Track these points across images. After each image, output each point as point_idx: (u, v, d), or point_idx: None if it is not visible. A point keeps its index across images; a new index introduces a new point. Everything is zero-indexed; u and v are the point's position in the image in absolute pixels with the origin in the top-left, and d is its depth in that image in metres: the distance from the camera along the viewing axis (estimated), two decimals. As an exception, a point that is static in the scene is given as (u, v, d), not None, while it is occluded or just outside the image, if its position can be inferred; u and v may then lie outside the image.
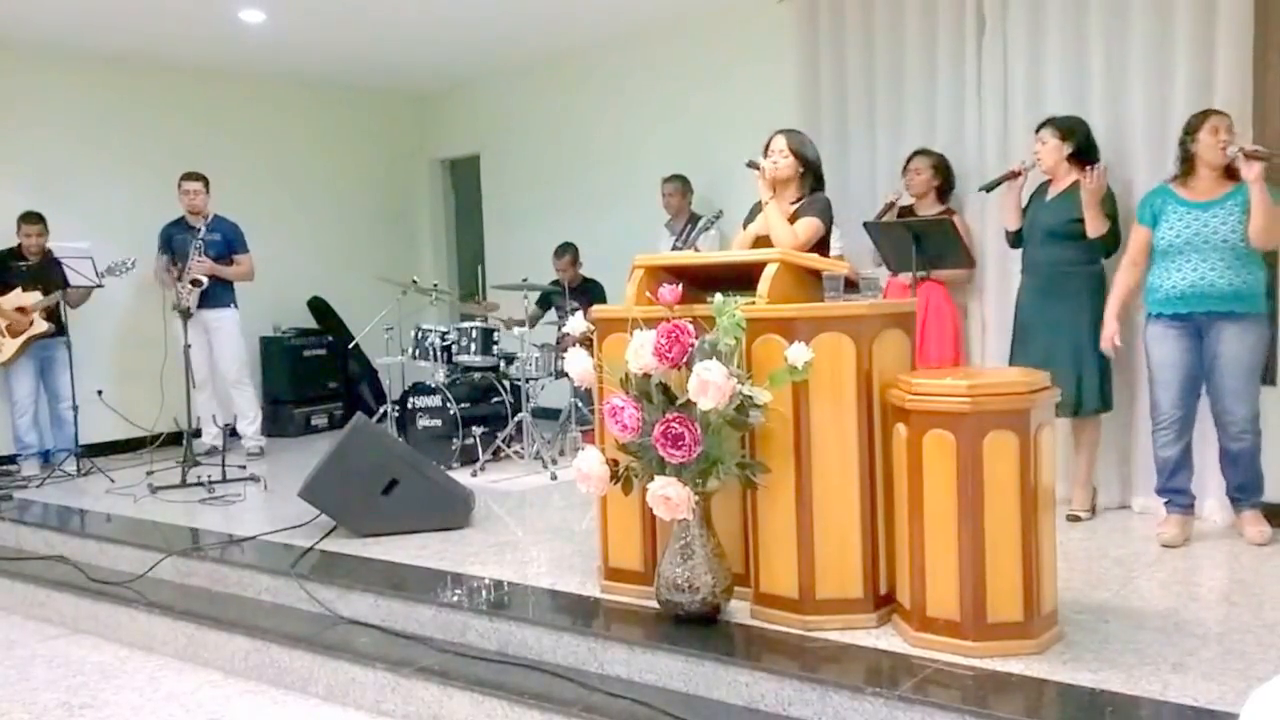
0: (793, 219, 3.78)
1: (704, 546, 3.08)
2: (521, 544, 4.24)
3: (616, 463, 3.12)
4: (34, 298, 6.02)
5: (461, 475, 5.27)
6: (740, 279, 3.20)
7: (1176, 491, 3.99)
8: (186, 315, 5.94)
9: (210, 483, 5.49)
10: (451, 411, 5.72)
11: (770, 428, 3.01)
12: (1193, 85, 4.16)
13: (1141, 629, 3.00)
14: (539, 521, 4.64)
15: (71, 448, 6.13)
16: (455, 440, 5.71)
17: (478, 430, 5.78)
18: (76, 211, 6.62)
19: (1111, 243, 4.24)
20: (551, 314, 6.68)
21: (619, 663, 3.07)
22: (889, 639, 2.95)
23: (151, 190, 6.77)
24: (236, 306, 6.66)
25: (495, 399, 6.00)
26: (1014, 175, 4.46)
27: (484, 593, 3.61)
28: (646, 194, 6.56)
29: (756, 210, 3.99)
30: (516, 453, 5.91)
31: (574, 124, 7.46)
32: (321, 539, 4.30)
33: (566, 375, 3.31)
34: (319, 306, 8.02)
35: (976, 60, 4.85)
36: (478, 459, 5.70)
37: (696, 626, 3.09)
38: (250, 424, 6.74)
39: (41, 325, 6.06)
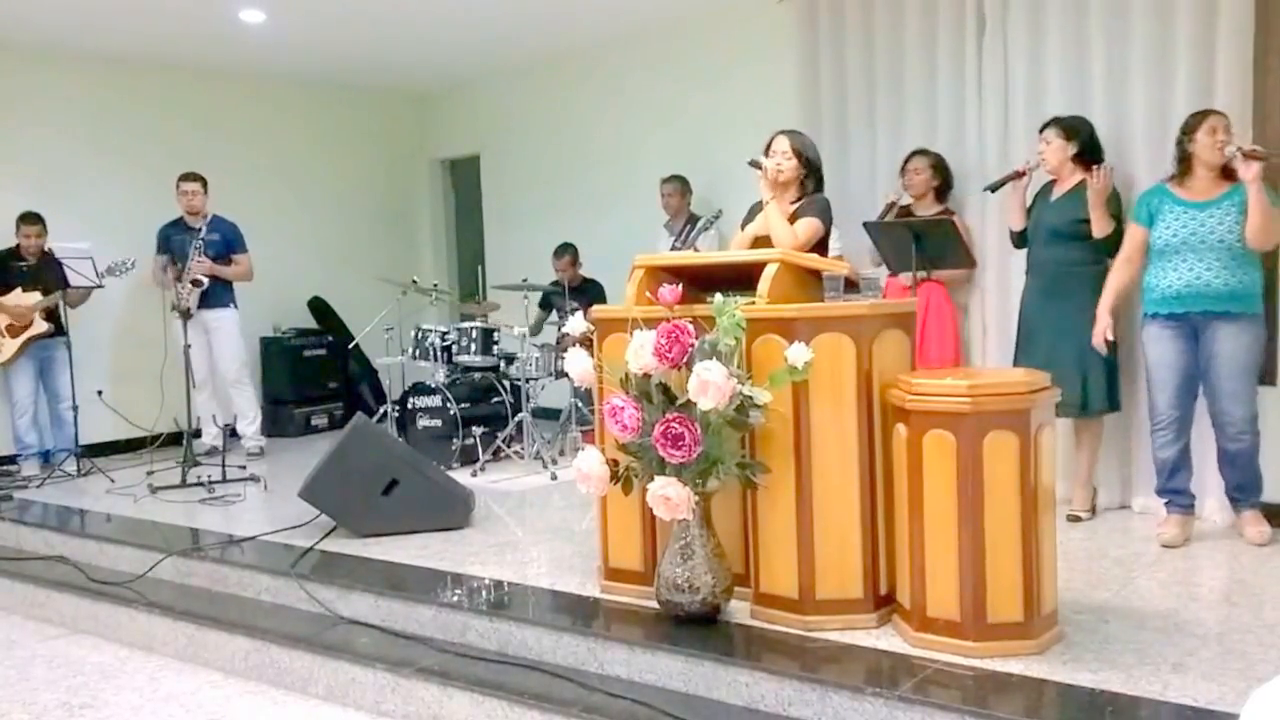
0: (792, 219, 3.78)
1: (704, 547, 3.08)
2: (521, 544, 4.24)
3: (616, 463, 3.12)
4: (34, 298, 6.02)
5: (461, 475, 5.27)
6: (740, 279, 3.20)
7: (1176, 492, 3.99)
8: (186, 316, 5.94)
9: (210, 483, 5.49)
10: (451, 411, 5.72)
11: (770, 428, 3.01)
12: (1193, 86, 4.16)
13: (1142, 629, 3.00)
14: (539, 522, 4.64)
15: (71, 448, 6.13)
16: (455, 440, 5.71)
17: (478, 430, 5.78)
18: (76, 211, 6.62)
19: (1116, 243, 4.23)
20: (553, 315, 6.68)
21: (619, 663, 3.07)
22: (889, 639, 2.95)
23: (151, 190, 6.76)
24: (236, 306, 6.66)
25: (495, 399, 6.00)
26: (1019, 175, 4.45)
27: (484, 593, 3.61)
28: (646, 194, 6.56)
29: (754, 211, 3.99)
30: (516, 453, 5.91)
31: (574, 124, 7.47)
32: (321, 539, 4.30)
33: (566, 375, 3.32)
34: (319, 307, 8.02)
35: (977, 60, 4.85)
36: (478, 459, 5.70)
37: (696, 627, 3.09)
38: (250, 424, 6.74)
39: (41, 325, 6.06)
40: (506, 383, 6.06)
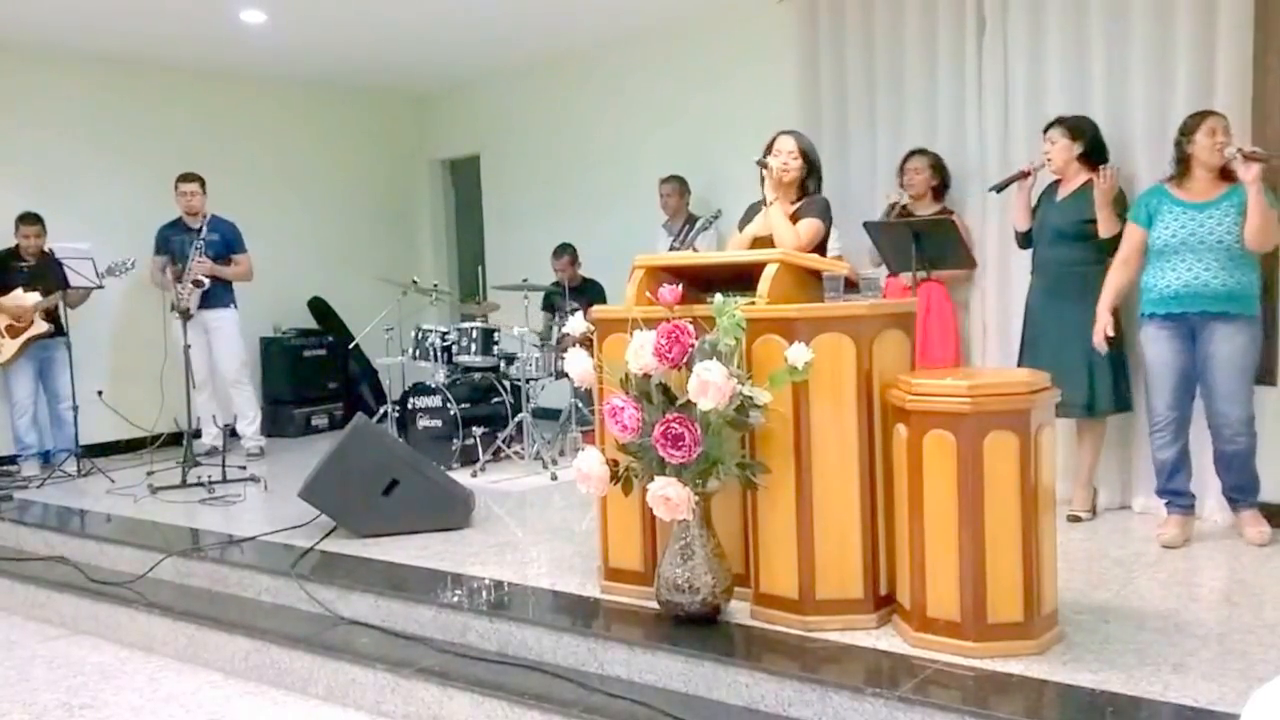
0: (794, 219, 3.79)
1: (704, 547, 3.08)
2: (521, 544, 4.24)
3: (616, 463, 3.12)
4: (34, 298, 6.02)
5: (462, 476, 5.27)
6: (740, 279, 3.20)
7: (1176, 493, 3.98)
8: (187, 316, 5.94)
9: (210, 483, 5.49)
10: (452, 412, 5.72)
11: (770, 428, 3.01)
12: (1193, 86, 4.16)
13: (1142, 629, 3.00)
14: (539, 522, 4.64)
15: (71, 448, 6.13)
16: (455, 440, 5.71)
17: (478, 430, 5.78)
18: (76, 211, 6.62)
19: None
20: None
21: (619, 663, 3.07)
22: (889, 639, 2.95)
23: (151, 190, 6.76)
24: (236, 306, 6.66)
25: (495, 399, 6.00)
26: (1023, 175, 4.45)
27: (484, 593, 3.61)
28: (646, 194, 6.56)
29: (752, 211, 4.00)
30: (517, 453, 5.91)
31: (574, 124, 7.46)
32: (321, 539, 4.30)
33: (566, 376, 3.32)
34: (319, 307, 8.02)
35: (977, 60, 4.85)
36: (478, 459, 5.70)
37: (696, 627, 3.09)
38: (250, 424, 6.74)
39: (41, 326, 6.06)
40: (506, 383, 6.05)
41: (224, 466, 5.65)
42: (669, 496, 2.93)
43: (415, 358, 6.21)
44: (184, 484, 5.57)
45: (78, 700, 3.51)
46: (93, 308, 6.42)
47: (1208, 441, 4.01)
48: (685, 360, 2.92)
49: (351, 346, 7.36)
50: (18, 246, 6.14)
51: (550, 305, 6.72)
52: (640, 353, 2.96)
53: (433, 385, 5.86)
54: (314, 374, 7.69)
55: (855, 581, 3.02)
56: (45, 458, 6.32)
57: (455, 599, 3.55)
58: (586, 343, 3.44)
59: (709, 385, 2.83)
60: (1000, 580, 2.79)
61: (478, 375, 6.15)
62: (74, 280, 5.99)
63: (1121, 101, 4.40)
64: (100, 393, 6.57)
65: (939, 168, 4.94)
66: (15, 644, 4.13)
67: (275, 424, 7.36)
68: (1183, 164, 3.89)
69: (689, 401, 2.90)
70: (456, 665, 3.22)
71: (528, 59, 7.45)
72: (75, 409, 6.11)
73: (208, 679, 3.66)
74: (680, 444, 2.88)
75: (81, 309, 6.31)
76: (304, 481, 4.50)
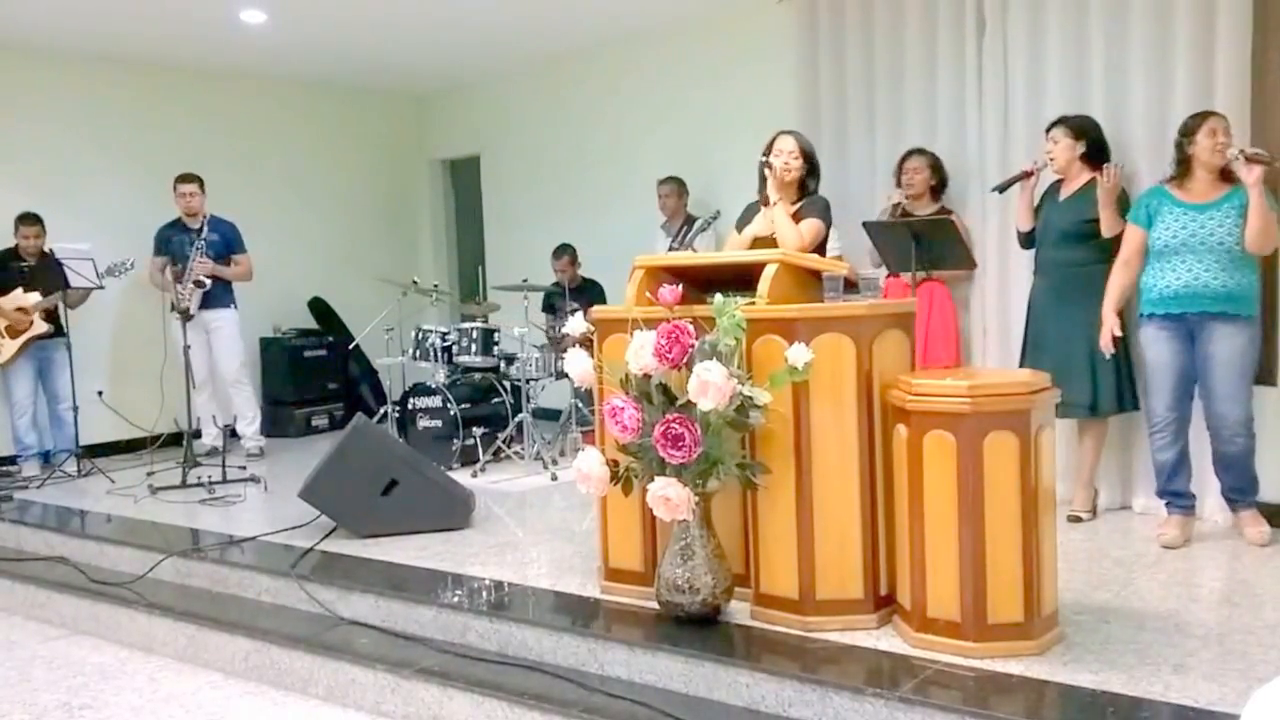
0: (794, 219, 3.80)
1: (704, 547, 3.08)
2: (522, 545, 4.24)
3: (617, 463, 3.12)
4: (34, 298, 6.02)
5: (462, 476, 5.27)
6: (740, 280, 3.20)
7: (1176, 494, 3.98)
8: (187, 317, 5.93)
9: (210, 483, 5.49)
10: (452, 412, 5.72)
11: (770, 428, 3.01)
12: (1192, 87, 4.16)
13: (1142, 630, 3.00)
14: (539, 522, 4.64)
15: (71, 448, 6.13)
16: (455, 441, 5.71)
17: (478, 431, 5.78)
18: (76, 212, 6.62)
19: None
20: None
21: (619, 664, 3.07)
22: (889, 640, 2.95)
23: (151, 190, 6.76)
24: (236, 307, 6.66)
25: (496, 399, 6.00)
26: (1026, 175, 4.45)
27: (484, 594, 3.61)
28: (646, 194, 6.56)
29: (749, 212, 4.00)
30: (517, 453, 5.90)
31: (573, 124, 7.47)
32: (321, 540, 4.30)
33: (567, 376, 3.32)
34: (319, 307, 8.02)
35: (976, 61, 4.85)
36: (478, 460, 5.70)
37: (697, 627, 3.09)
38: (249, 424, 6.74)
39: (41, 326, 6.05)
40: (507, 383, 6.06)
41: (224, 467, 5.65)
42: (669, 497, 2.93)
43: (415, 358, 6.21)
44: (184, 484, 5.57)
45: (78, 700, 3.51)
46: (92, 308, 6.42)
47: (1207, 442, 4.01)
48: (685, 360, 2.92)
49: (352, 347, 7.37)
50: (17, 247, 6.13)
51: (550, 306, 6.72)
52: (640, 353, 2.96)
53: (433, 386, 5.86)
54: (314, 374, 7.68)
55: (855, 582, 3.02)
56: (45, 458, 6.32)
57: (455, 599, 3.55)
58: (586, 343, 3.43)
59: (709, 385, 2.83)
60: (1000, 580, 2.79)
61: (478, 376, 6.15)
62: (74, 281, 5.98)
63: (1121, 102, 4.40)
64: (100, 393, 6.57)
65: (937, 167, 4.94)
66: (15, 644, 4.13)
67: (275, 424, 7.36)
68: (1183, 165, 3.89)
69: (689, 402, 2.90)
70: (456, 665, 3.22)
71: (528, 59, 7.45)
72: (75, 409, 6.11)
73: (208, 679, 3.66)
74: (680, 444, 2.88)
75: (81, 309, 6.30)
76: (304, 482, 4.50)
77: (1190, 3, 4.16)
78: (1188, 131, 3.86)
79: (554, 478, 5.41)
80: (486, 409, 5.94)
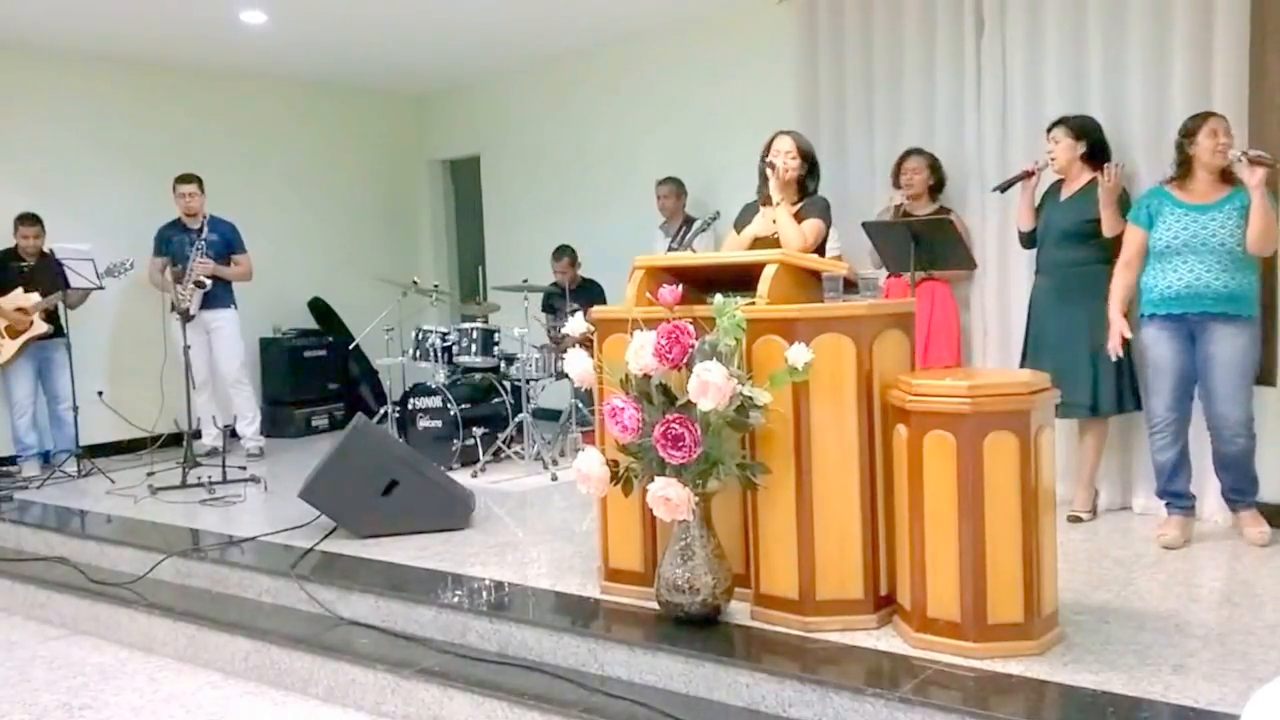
0: (795, 219, 3.79)
1: (704, 547, 3.08)
2: (522, 545, 4.24)
3: (617, 463, 3.12)
4: (34, 299, 6.02)
5: (462, 476, 5.27)
6: (739, 280, 3.20)
7: (1176, 494, 3.98)
8: (187, 317, 5.93)
9: (210, 484, 5.49)
10: (452, 412, 5.72)
11: (770, 428, 3.01)
12: (1190, 87, 4.16)
13: (1142, 630, 3.00)
14: (539, 522, 4.64)
15: (71, 449, 6.13)
16: (456, 441, 5.71)
17: (478, 431, 5.78)
18: (75, 212, 6.62)
19: None
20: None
21: (619, 664, 3.07)
22: (889, 640, 2.95)
23: (150, 191, 6.75)
24: (236, 307, 6.66)
25: (496, 400, 6.00)
26: (1028, 175, 4.45)
27: (484, 594, 3.61)
28: (646, 195, 6.56)
29: (748, 212, 4.00)
30: (517, 453, 5.90)
31: (573, 124, 7.46)
32: (321, 540, 4.29)
33: (567, 376, 3.32)
34: (319, 307, 8.02)
35: (975, 60, 4.85)
36: (478, 460, 5.70)
37: (697, 627, 3.09)
38: (249, 425, 6.74)
39: (40, 326, 6.05)
40: (507, 383, 6.06)
41: (224, 467, 5.65)
42: (669, 497, 2.93)
43: (415, 358, 6.21)
44: (184, 484, 5.57)
45: (78, 700, 3.51)
46: (92, 308, 6.42)
47: (1207, 442, 4.01)
48: (685, 361, 2.92)
49: (352, 347, 7.37)
50: (17, 247, 6.13)
51: (550, 306, 6.72)
52: (640, 353, 2.96)
53: (433, 386, 5.86)
54: (314, 374, 7.67)
55: (855, 582, 3.02)
56: (45, 458, 6.32)
57: (455, 599, 3.55)
58: (586, 343, 3.43)
59: (709, 386, 2.83)
60: (1000, 581, 2.79)
61: (478, 376, 6.16)
62: (74, 281, 5.98)
63: (1119, 102, 4.40)
64: (100, 393, 6.57)
65: (935, 167, 4.94)
66: (15, 644, 4.13)
67: (275, 424, 7.36)
68: (1184, 165, 3.89)
69: (689, 402, 2.90)
70: (456, 666, 3.22)
71: (528, 59, 7.45)
72: (75, 409, 6.11)
73: (208, 679, 3.66)
74: (680, 444, 2.88)
75: (81, 309, 6.30)
76: (304, 482, 4.50)
77: (1188, 3, 4.16)
78: (1188, 132, 3.86)
79: (554, 478, 5.41)
80: (486, 409, 5.94)
